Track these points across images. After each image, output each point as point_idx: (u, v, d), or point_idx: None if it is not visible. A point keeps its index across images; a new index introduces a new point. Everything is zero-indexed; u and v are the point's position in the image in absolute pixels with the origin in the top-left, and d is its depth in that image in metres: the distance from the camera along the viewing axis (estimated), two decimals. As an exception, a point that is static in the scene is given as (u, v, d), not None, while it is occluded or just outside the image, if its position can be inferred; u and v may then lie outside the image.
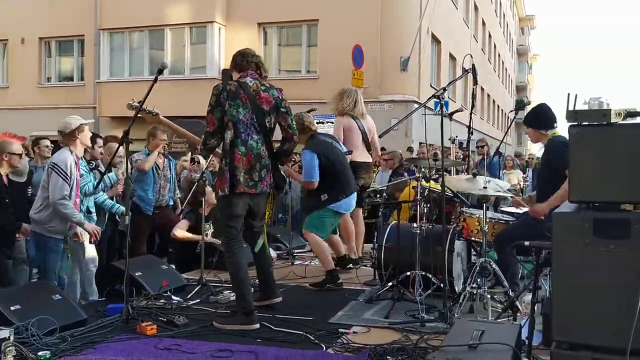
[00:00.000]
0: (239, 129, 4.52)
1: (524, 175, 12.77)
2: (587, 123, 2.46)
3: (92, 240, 5.54)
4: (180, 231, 6.79)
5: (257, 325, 4.45)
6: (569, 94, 2.45)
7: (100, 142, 6.31)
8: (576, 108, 2.50)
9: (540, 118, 4.98)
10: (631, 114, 2.49)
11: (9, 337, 3.64)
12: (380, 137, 5.87)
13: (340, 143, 6.35)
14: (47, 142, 7.32)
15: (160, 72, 4.59)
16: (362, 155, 6.68)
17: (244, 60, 4.71)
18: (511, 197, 5.86)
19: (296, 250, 7.61)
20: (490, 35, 33.69)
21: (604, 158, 2.44)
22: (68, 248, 5.39)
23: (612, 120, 2.41)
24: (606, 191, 2.45)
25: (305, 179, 5.97)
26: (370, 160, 6.93)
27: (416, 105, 16.53)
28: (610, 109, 2.41)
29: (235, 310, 4.62)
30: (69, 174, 5.16)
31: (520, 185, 10.85)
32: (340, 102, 6.70)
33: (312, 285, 5.84)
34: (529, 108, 6.54)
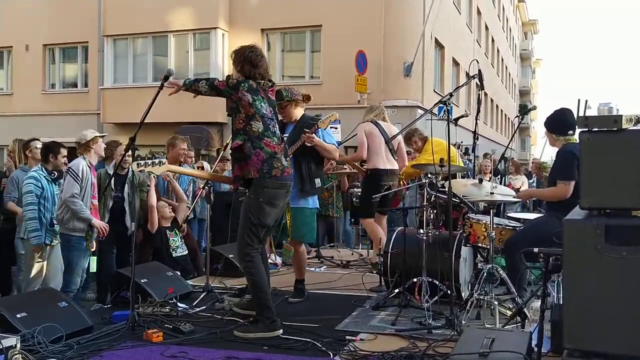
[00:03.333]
0: (266, 122, 4.58)
1: (530, 181, 12.69)
2: (597, 129, 2.44)
3: (100, 236, 5.86)
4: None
5: (281, 331, 4.45)
6: (579, 100, 2.44)
7: (65, 152, 6.16)
8: (586, 114, 2.48)
9: (557, 123, 4.96)
10: (642, 119, 2.47)
11: (16, 344, 3.63)
12: (386, 143, 5.85)
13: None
14: (39, 144, 6.89)
15: (166, 78, 4.58)
16: (384, 163, 6.41)
17: (254, 72, 4.63)
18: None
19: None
20: (493, 40, 33.69)
21: (615, 164, 2.42)
22: (88, 245, 5.77)
23: (624, 126, 2.39)
24: (618, 197, 2.43)
25: (336, 148, 5.78)
26: (395, 167, 6.59)
27: (420, 111, 16.55)
28: (622, 115, 2.39)
29: (257, 319, 4.57)
30: (80, 176, 5.68)
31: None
32: (367, 115, 6.65)
33: (294, 297, 5.61)
34: (533, 113, 6.55)
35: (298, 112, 5.72)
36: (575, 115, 2.48)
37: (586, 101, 2.46)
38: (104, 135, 6.32)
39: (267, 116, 4.60)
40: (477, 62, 5.20)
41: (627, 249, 2.34)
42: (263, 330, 4.44)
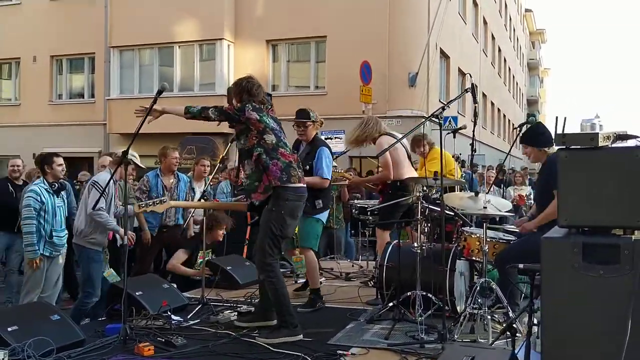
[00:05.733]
0: (277, 134, 4.84)
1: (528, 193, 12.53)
2: (575, 147, 2.43)
3: (129, 245, 5.84)
4: (177, 266, 6.79)
5: (302, 335, 4.62)
6: (557, 117, 2.43)
7: (60, 160, 6.16)
8: (565, 131, 2.47)
9: (540, 136, 4.98)
10: (621, 136, 2.46)
11: (4, 358, 3.64)
12: (375, 158, 5.82)
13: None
14: (19, 162, 7.86)
15: (159, 93, 4.62)
16: (409, 172, 6.30)
17: (252, 101, 4.83)
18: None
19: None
20: (500, 50, 33.65)
21: (593, 182, 2.41)
22: (106, 258, 5.98)
23: (600, 144, 2.38)
24: (595, 216, 2.41)
25: (325, 177, 5.89)
26: (415, 174, 6.50)
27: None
28: (598, 133, 2.38)
29: (279, 325, 4.71)
30: (106, 190, 5.74)
31: (524, 200, 10.70)
32: (367, 128, 6.36)
33: (304, 307, 5.67)
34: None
35: (313, 134, 6.09)
36: (553, 133, 2.47)
37: (565, 118, 2.45)
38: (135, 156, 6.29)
39: (276, 129, 4.87)
40: (470, 76, 5.23)
41: (604, 267, 2.32)
42: (287, 334, 4.58)
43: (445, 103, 5.18)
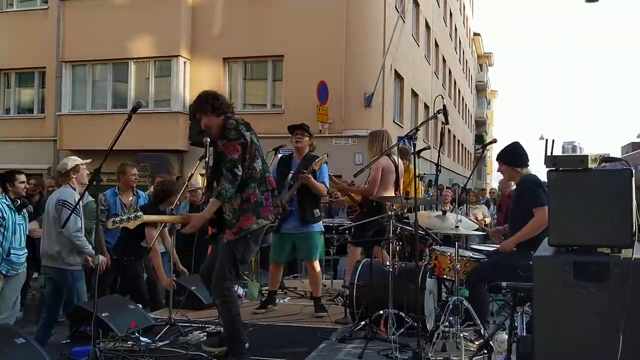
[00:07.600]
0: (261, 154, 4.71)
1: (490, 210, 12.83)
2: (565, 169, 2.51)
3: (100, 271, 5.81)
4: (158, 258, 6.58)
5: None
6: (547, 140, 2.52)
7: (22, 177, 6.06)
8: (554, 153, 2.56)
9: (517, 156, 5.12)
10: (606, 159, 2.57)
11: (-28, 384, 3.50)
12: (355, 176, 5.89)
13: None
14: None
15: (135, 110, 4.57)
16: (389, 194, 6.48)
17: (222, 104, 4.71)
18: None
19: (264, 288, 7.49)
20: (450, 72, 34.48)
21: (582, 202, 2.50)
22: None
23: (589, 166, 2.47)
24: (585, 235, 2.50)
25: (327, 187, 6.45)
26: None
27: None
28: (587, 155, 2.47)
29: (227, 352, 4.57)
30: (78, 208, 5.50)
31: (485, 220, 10.94)
32: (379, 142, 6.59)
33: (319, 312, 6.20)
34: (497, 146, 6.71)
35: (307, 149, 6.44)
36: (544, 155, 2.55)
37: (553, 141, 2.54)
38: (86, 162, 6.14)
39: (259, 147, 4.70)
40: (442, 97, 5.33)
41: (594, 284, 2.40)
42: None
43: (419, 124, 5.28)
